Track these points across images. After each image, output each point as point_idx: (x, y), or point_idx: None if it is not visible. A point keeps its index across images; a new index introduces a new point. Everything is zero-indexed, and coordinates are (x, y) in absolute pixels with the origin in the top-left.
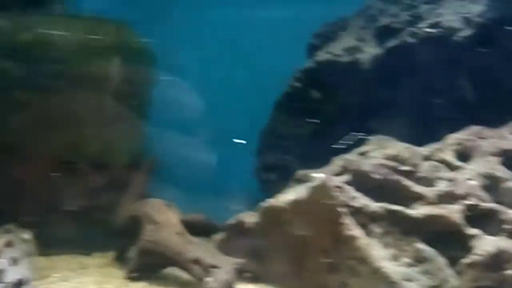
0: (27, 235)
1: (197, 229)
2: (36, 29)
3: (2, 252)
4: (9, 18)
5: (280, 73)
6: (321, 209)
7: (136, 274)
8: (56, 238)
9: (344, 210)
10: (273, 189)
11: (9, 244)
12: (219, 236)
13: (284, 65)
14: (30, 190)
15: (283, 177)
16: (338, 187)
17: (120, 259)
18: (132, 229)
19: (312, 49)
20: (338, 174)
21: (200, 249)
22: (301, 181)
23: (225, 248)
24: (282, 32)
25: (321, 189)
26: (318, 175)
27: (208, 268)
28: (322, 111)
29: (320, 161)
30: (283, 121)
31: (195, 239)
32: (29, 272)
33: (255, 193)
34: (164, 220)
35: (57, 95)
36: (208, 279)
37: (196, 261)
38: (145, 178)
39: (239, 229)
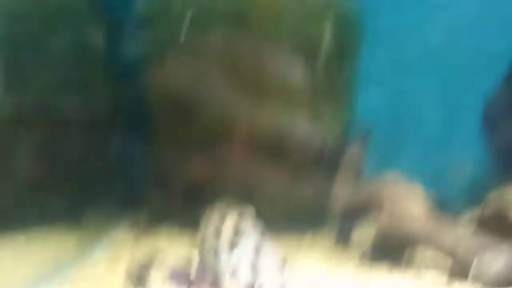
0: (250, 208)
1: None
2: None
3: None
4: None
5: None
6: None
7: (372, 259)
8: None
9: None
10: None
11: (239, 219)
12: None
13: None
14: (235, 170)
15: None
16: None
17: (343, 242)
18: (360, 208)
19: None
20: None
21: (457, 231)
22: None
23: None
24: None
25: None
26: None
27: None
28: None
29: None
30: None
31: (447, 218)
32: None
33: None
34: (407, 198)
35: (266, 61)
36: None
37: (457, 243)
38: (359, 153)
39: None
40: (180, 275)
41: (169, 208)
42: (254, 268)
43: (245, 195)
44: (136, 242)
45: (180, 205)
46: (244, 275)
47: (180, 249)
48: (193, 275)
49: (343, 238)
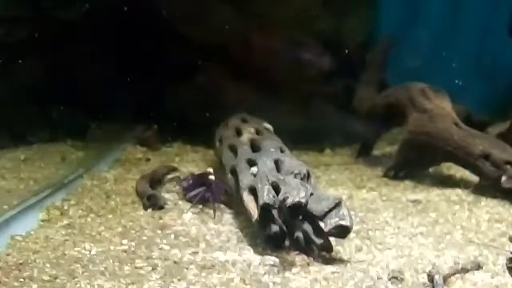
0: (267, 124)
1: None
2: None
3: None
4: None
5: None
6: None
7: (396, 172)
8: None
9: None
10: None
11: (258, 133)
12: (497, 129)
13: None
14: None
15: None
16: None
17: (365, 155)
18: (385, 113)
19: None
20: None
21: (487, 142)
22: None
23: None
24: None
25: None
26: None
27: (503, 165)
28: None
29: None
30: None
31: (476, 131)
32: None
33: None
34: (436, 108)
35: None
36: (504, 177)
37: (486, 156)
38: (383, 59)
39: None
40: (193, 187)
41: (181, 125)
42: (275, 184)
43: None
44: (146, 157)
45: (193, 121)
46: (265, 191)
47: (193, 165)
48: (207, 188)
49: (366, 151)
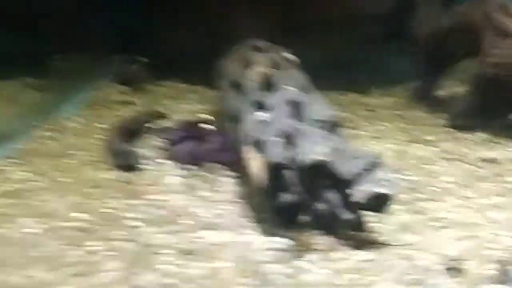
0: (289, 54)
1: None
2: None
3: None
4: None
5: None
6: None
7: (465, 120)
8: None
9: None
10: None
11: (275, 65)
12: None
13: None
14: None
15: None
16: None
17: (424, 97)
18: (453, 45)
19: None
20: None
21: None
22: None
23: None
24: None
25: None
26: None
27: None
28: None
29: None
30: None
31: None
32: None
33: None
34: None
35: None
36: None
37: None
38: None
39: None
40: (182, 141)
41: (175, 57)
42: (290, 136)
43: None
44: (126, 100)
45: (191, 52)
46: (275, 146)
47: (187, 111)
48: (201, 141)
49: (426, 92)
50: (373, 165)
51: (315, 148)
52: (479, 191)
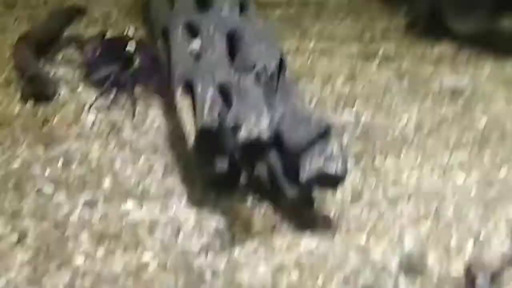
0: None
1: None
2: None
3: None
4: None
5: None
6: None
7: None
8: None
9: None
10: None
11: None
12: None
13: None
14: None
15: None
16: None
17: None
18: None
19: None
20: None
21: None
22: None
23: None
24: None
25: None
26: None
27: None
28: None
29: None
30: None
31: None
32: None
33: None
34: None
35: None
36: None
37: None
38: None
39: None
40: (102, 63)
41: None
42: (224, 87)
43: None
44: None
45: None
46: (206, 103)
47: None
48: (125, 63)
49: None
50: (321, 135)
51: (252, 121)
52: (441, 139)
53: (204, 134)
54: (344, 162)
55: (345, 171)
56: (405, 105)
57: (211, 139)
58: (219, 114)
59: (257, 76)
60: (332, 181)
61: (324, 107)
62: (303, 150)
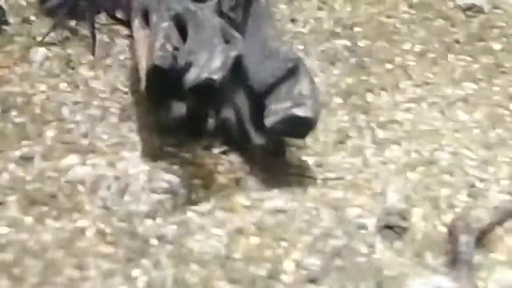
0: None
1: None
2: None
3: None
4: None
5: None
6: None
7: None
8: None
9: None
10: None
11: None
12: None
13: None
14: None
15: None
16: None
17: None
18: None
19: None
20: None
21: None
22: None
23: None
24: None
25: None
26: None
27: None
28: None
29: None
30: None
31: None
32: None
33: None
34: None
35: None
36: None
37: None
38: None
39: None
40: None
41: None
42: (179, 18)
43: None
44: None
45: None
46: (159, 37)
47: None
48: None
49: None
50: (290, 72)
51: (203, 60)
52: (449, 70)
53: (155, 73)
54: (316, 104)
55: (316, 115)
56: (412, 27)
57: (164, 79)
58: (175, 49)
59: (220, 3)
60: (301, 127)
61: (321, 29)
62: (268, 90)
